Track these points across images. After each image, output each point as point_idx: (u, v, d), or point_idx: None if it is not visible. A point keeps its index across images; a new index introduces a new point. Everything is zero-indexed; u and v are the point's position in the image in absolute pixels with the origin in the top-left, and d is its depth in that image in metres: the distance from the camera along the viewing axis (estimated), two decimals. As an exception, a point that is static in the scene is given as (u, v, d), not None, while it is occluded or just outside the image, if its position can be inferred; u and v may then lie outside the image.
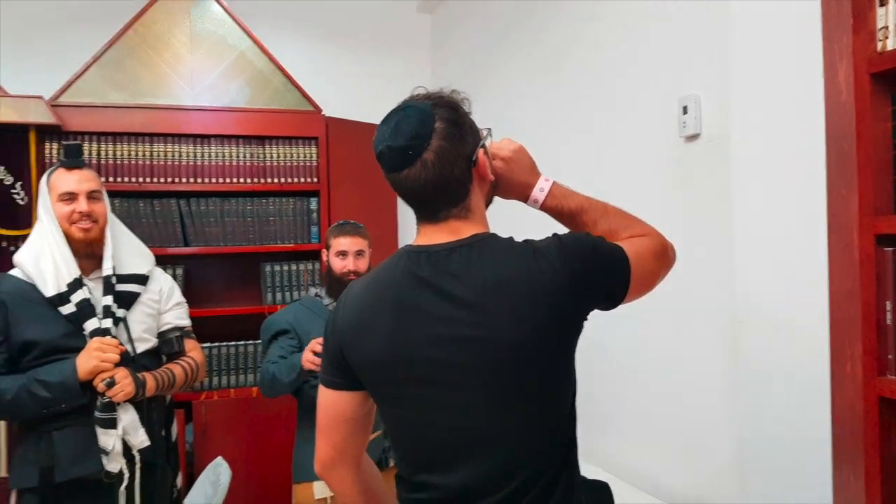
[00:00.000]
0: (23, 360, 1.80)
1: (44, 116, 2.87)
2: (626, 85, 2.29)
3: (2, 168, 2.85)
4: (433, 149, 1.07)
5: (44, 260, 1.87)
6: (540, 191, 1.22)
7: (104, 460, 1.79)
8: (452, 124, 1.09)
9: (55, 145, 2.95)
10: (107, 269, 1.91)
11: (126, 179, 3.03)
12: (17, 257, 1.92)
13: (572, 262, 1.06)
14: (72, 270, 1.86)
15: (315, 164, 3.29)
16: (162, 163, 3.10)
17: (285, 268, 3.25)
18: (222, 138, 3.18)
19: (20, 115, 2.84)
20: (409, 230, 3.71)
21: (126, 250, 2.02)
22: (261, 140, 3.23)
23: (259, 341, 3.18)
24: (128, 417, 1.83)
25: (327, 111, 3.32)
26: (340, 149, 3.31)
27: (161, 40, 3.12)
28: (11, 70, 3.09)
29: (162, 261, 3.10)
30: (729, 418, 1.83)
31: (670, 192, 2.08)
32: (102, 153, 3.02)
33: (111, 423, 1.80)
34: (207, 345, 3.11)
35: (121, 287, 1.92)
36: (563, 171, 2.52)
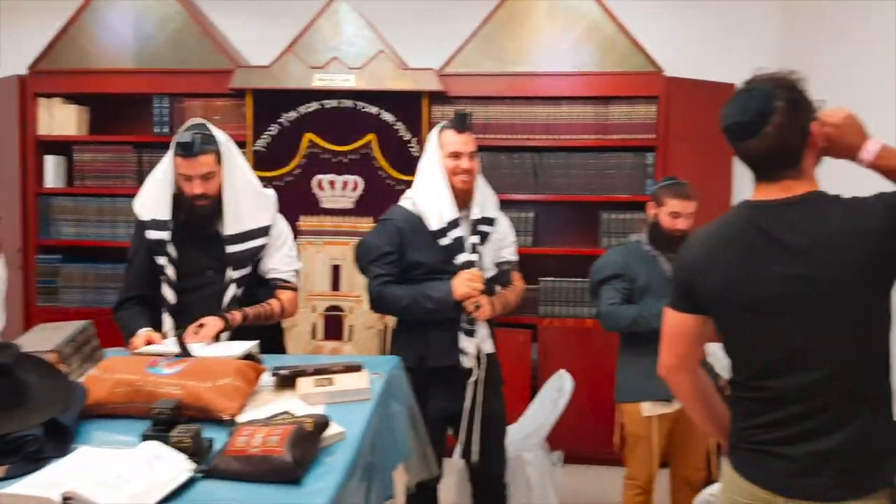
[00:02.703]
0: (409, 275, 2.37)
1: (434, 84, 3.57)
2: None
3: (402, 127, 3.63)
4: (774, 124, 1.32)
5: (428, 200, 2.36)
6: (868, 152, 1.39)
7: (462, 359, 2.35)
8: (791, 103, 1.34)
9: (441, 108, 3.64)
10: (475, 214, 2.39)
11: (492, 136, 3.63)
12: (410, 194, 2.45)
13: (892, 218, 1.27)
14: (452, 212, 2.34)
15: (653, 121, 3.55)
16: (520, 122, 3.63)
17: (621, 216, 3.60)
18: (571, 99, 3.60)
19: (416, 84, 3.57)
20: (742, 186, 3.76)
21: (484, 197, 2.47)
22: (605, 100, 3.58)
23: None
24: (483, 330, 2.38)
25: (669, 71, 3.53)
26: (679, 106, 3.51)
27: (525, 14, 3.61)
28: (409, 46, 3.81)
29: (516, 205, 3.68)
30: None
31: None
32: (475, 114, 3.62)
33: (472, 333, 2.35)
34: (551, 279, 3.63)
35: (481, 227, 2.41)
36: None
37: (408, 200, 2.44)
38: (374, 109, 3.58)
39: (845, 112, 1.43)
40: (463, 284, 2.28)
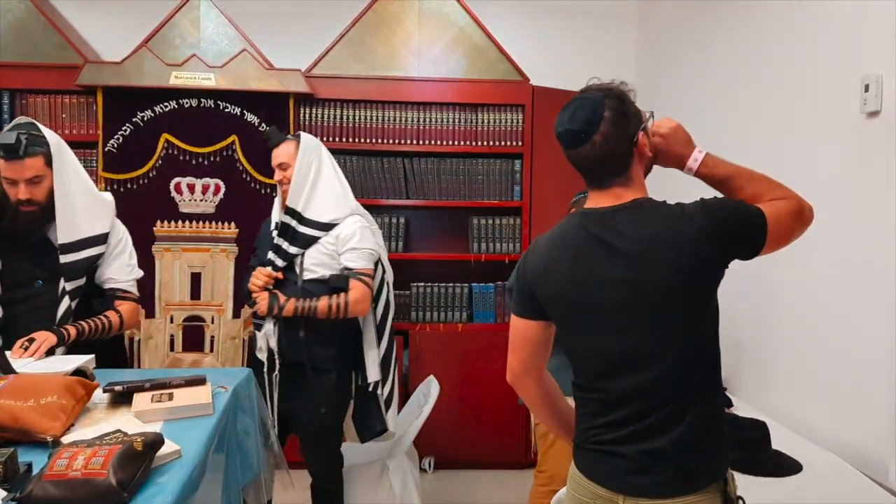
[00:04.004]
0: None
1: (300, 86, 3.47)
2: (814, 62, 2.40)
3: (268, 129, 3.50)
4: (602, 133, 1.36)
5: (275, 204, 2.63)
6: (694, 161, 1.45)
7: (257, 350, 2.51)
8: (619, 113, 1.37)
9: (309, 110, 3.56)
10: (287, 219, 2.49)
11: (362, 140, 3.59)
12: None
13: (715, 221, 1.32)
14: (277, 216, 2.56)
15: (520, 129, 3.62)
16: (391, 126, 3.61)
17: (490, 221, 3.64)
18: (441, 105, 3.61)
19: (282, 85, 3.46)
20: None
21: (320, 200, 2.52)
22: (474, 107, 3.62)
23: (464, 284, 3.66)
24: (268, 326, 2.46)
25: (534, 80, 3.62)
26: (544, 115, 3.60)
27: (395, 18, 3.60)
28: (275, 47, 3.70)
29: (387, 210, 3.66)
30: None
31: (849, 166, 2.19)
32: (344, 118, 3.58)
33: (259, 328, 2.50)
34: (421, 284, 3.62)
35: (302, 229, 2.48)
36: (745, 142, 2.73)
37: None
38: (236, 110, 3.43)
39: (673, 123, 1.48)
40: (250, 280, 2.48)
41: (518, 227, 3.64)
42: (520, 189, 3.64)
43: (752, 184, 1.42)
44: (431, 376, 2.85)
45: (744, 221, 1.35)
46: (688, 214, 1.34)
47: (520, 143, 3.63)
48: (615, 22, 4.17)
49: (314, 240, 2.48)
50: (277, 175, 2.53)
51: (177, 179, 3.42)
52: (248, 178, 3.46)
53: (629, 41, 4.17)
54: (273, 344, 2.45)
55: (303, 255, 2.48)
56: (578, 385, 1.49)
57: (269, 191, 3.46)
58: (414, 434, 2.68)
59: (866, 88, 2.08)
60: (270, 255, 2.49)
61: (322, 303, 2.42)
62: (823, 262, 2.26)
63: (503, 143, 3.63)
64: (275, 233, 2.51)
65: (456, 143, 3.63)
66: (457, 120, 3.62)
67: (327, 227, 2.50)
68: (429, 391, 2.78)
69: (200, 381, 1.82)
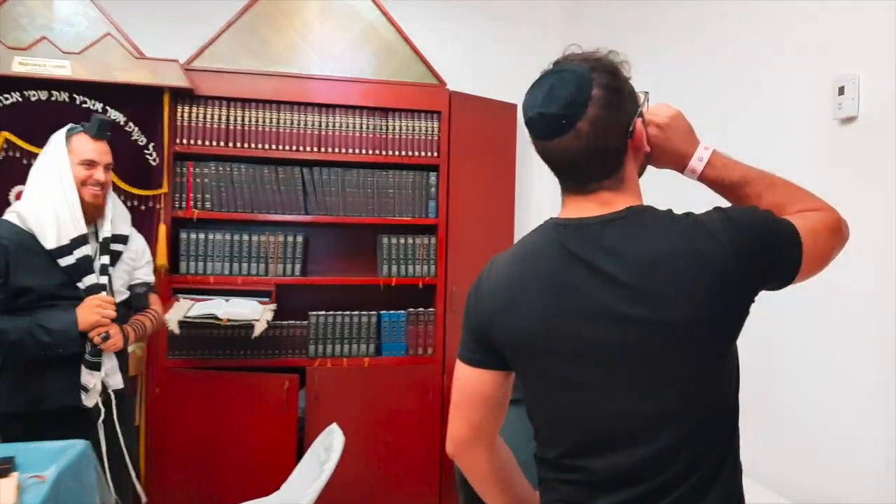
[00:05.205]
0: (16, 303, 2.01)
1: (178, 80, 2.95)
2: (778, 64, 2.14)
3: (136, 129, 2.95)
4: (589, 118, 1.00)
5: (46, 213, 2.06)
6: (699, 160, 1.13)
7: (83, 396, 2.07)
8: (611, 91, 1.02)
9: (189, 108, 3.03)
10: (106, 231, 2.19)
11: (253, 145, 3.08)
12: (18, 207, 2.11)
13: (739, 239, 0.97)
14: (79, 227, 2.09)
15: (436, 138, 3.23)
16: (288, 130, 3.12)
17: (401, 241, 3.22)
18: (347, 108, 3.17)
19: (156, 78, 2.92)
20: (526, 207, 3.60)
21: (116, 213, 2.29)
22: (384, 112, 3.20)
23: (371, 312, 3.21)
24: (110, 363, 2.15)
25: (451, 85, 3.25)
26: (462, 124, 3.24)
27: (293, 7, 3.14)
28: (148, 33, 3.18)
29: (282, 228, 3.17)
30: (884, 421, 1.68)
31: (822, 177, 1.93)
32: (231, 119, 3.07)
33: (97, 367, 2.10)
34: (321, 313, 3.14)
35: (113, 246, 2.22)
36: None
37: (13, 214, 2.11)
38: (97, 105, 2.85)
39: (672, 110, 1.15)
40: (91, 312, 2.05)
41: (433, 246, 3.24)
42: (435, 205, 3.25)
43: (773, 191, 1.11)
44: (334, 425, 2.39)
45: (777, 238, 1.02)
46: (703, 228, 0.99)
47: (435, 154, 3.24)
48: (537, 25, 3.87)
49: (119, 255, 2.25)
50: (102, 176, 2.17)
51: (18, 188, 2.79)
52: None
53: (552, 46, 3.86)
54: (119, 381, 2.19)
55: (111, 274, 2.22)
56: (547, 462, 1.10)
57: (136, 203, 2.90)
58: (314, 499, 2.21)
59: (840, 91, 1.83)
60: (94, 279, 2.11)
61: (148, 321, 2.31)
62: (792, 289, 1.99)
63: (417, 153, 3.23)
64: (85, 250, 2.09)
65: (363, 151, 3.19)
66: (364, 126, 3.19)
67: (125, 239, 2.31)
68: (331, 444, 2.31)
69: (3, 471, 1.29)
